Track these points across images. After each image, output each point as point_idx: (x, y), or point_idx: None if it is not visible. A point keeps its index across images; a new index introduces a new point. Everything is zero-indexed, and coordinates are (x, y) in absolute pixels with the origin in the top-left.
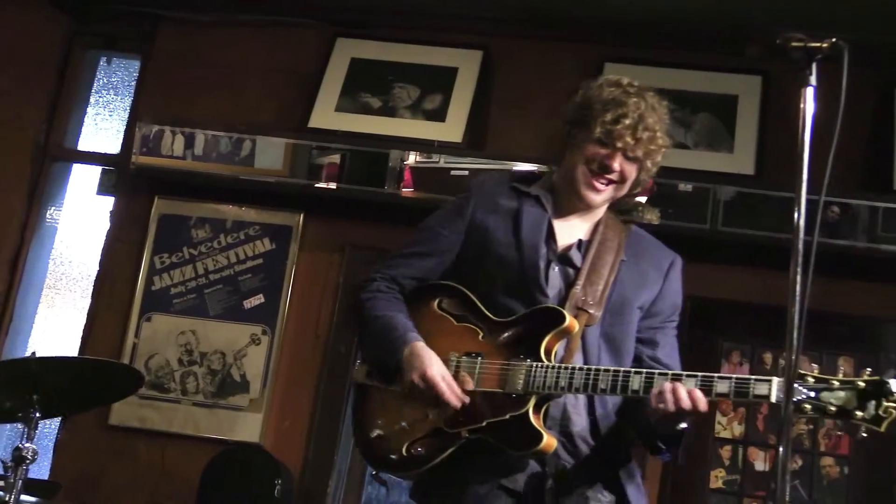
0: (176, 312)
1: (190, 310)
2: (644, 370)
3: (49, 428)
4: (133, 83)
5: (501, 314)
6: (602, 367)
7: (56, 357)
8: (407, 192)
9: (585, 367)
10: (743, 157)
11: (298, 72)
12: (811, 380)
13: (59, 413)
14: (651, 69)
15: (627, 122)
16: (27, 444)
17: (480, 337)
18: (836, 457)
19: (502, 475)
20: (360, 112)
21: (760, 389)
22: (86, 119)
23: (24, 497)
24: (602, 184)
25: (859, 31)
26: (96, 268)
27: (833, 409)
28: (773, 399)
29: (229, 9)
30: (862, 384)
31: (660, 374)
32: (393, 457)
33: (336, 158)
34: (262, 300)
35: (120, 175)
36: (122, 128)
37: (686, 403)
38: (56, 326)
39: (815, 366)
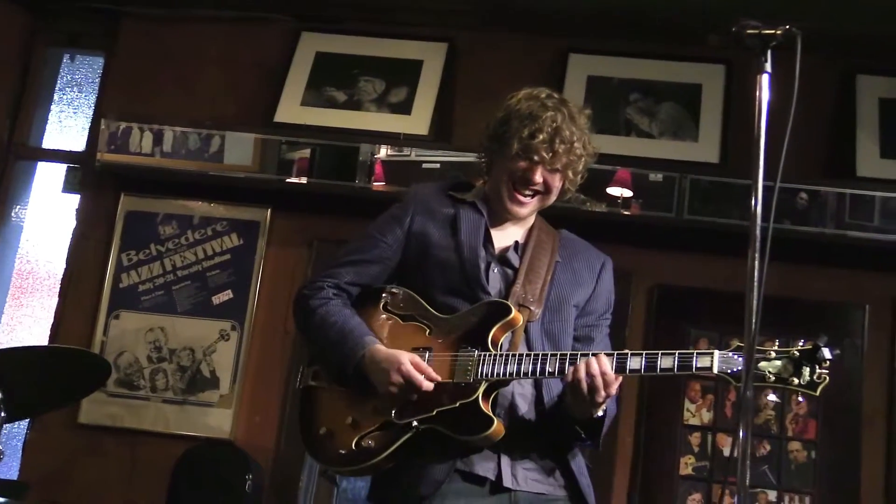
0: (144, 309)
1: (158, 307)
2: (590, 352)
3: (18, 428)
4: (97, 80)
5: (446, 313)
6: (549, 352)
7: (19, 348)
8: (378, 185)
9: (532, 352)
10: (708, 145)
11: (263, 66)
12: None
13: (27, 414)
14: (615, 59)
15: (543, 136)
16: None
17: (428, 333)
18: (803, 441)
19: (457, 460)
20: (325, 106)
21: (703, 362)
22: (50, 117)
23: None
24: (527, 196)
25: (821, 20)
26: (63, 266)
27: (771, 377)
28: (715, 370)
29: (193, 4)
30: (797, 352)
31: (606, 354)
32: (342, 451)
33: (306, 153)
34: (231, 296)
35: (85, 173)
36: (87, 125)
37: (594, 370)
38: (23, 326)
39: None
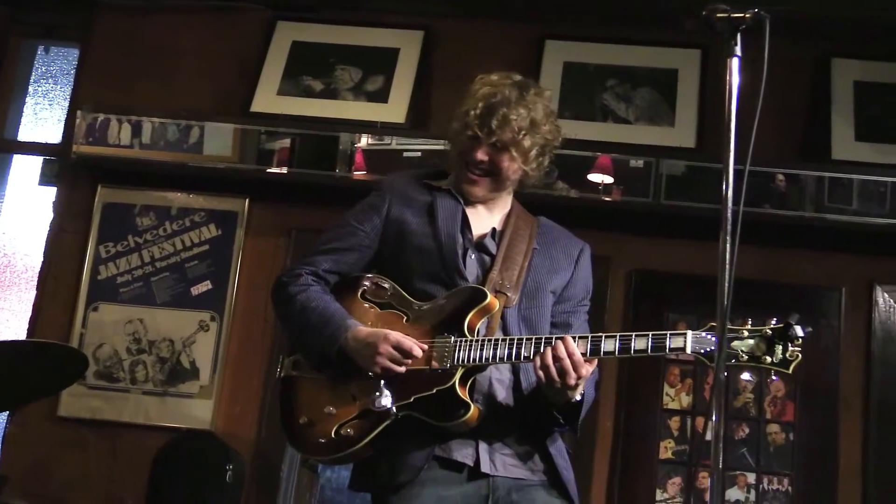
0: (123, 301)
1: (137, 298)
2: (564, 335)
3: None
4: (72, 72)
5: (423, 299)
6: (524, 337)
7: None
8: (359, 174)
9: (508, 337)
10: (684, 130)
11: (239, 56)
12: None
13: (5, 407)
14: (591, 45)
15: (476, 112)
16: None
17: (405, 321)
18: (781, 423)
19: (436, 446)
20: (302, 95)
21: (676, 343)
22: (25, 109)
23: None
24: (476, 175)
25: (796, 4)
26: (41, 259)
27: (744, 356)
28: (688, 350)
29: None
30: (769, 331)
31: (580, 337)
32: (322, 440)
33: (287, 143)
34: (210, 286)
35: (62, 165)
36: (63, 117)
37: (561, 353)
38: (1, 319)
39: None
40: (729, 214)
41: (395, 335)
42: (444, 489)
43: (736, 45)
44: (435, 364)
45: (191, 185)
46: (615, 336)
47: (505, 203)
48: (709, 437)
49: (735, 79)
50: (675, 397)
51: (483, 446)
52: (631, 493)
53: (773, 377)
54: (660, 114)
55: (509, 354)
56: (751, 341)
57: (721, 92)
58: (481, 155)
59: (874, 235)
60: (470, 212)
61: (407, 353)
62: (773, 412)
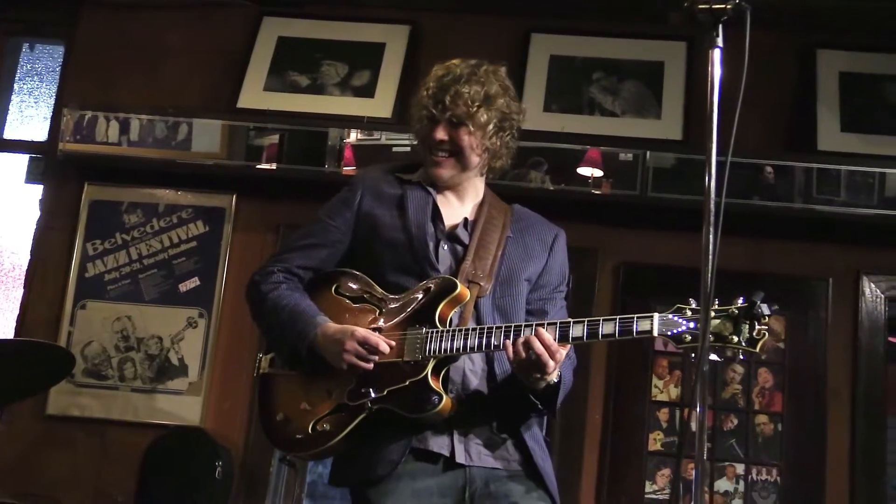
0: (111, 299)
1: (125, 296)
2: (534, 322)
3: None
4: (58, 69)
5: (396, 292)
6: (496, 326)
7: None
8: (348, 170)
9: (479, 326)
10: (671, 122)
11: (225, 52)
12: (689, 312)
13: None
14: (577, 38)
15: (429, 91)
16: None
17: (377, 314)
18: (769, 414)
19: (412, 438)
20: (288, 91)
21: (643, 326)
22: (10, 107)
23: None
24: (441, 156)
25: None
26: (28, 257)
27: (711, 336)
28: (656, 333)
29: None
30: (735, 310)
31: (549, 323)
32: (299, 436)
33: (275, 139)
34: (198, 283)
35: (48, 163)
36: (49, 115)
37: (535, 344)
38: None
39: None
40: (712, 206)
41: (361, 332)
42: (421, 481)
43: (718, 36)
44: (407, 356)
45: (178, 182)
46: (583, 321)
47: (477, 192)
48: (694, 427)
49: (717, 70)
50: (664, 389)
51: (458, 436)
52: (620, 485)
53: (741, 356)
54: (646, 106)
55: (480, 344)
56: (718, 321)
57: (707, 84)
58: (441, 134)
59: (861, 226)
60: (441, 202)
61: (373, 349)
62: (761, 403)
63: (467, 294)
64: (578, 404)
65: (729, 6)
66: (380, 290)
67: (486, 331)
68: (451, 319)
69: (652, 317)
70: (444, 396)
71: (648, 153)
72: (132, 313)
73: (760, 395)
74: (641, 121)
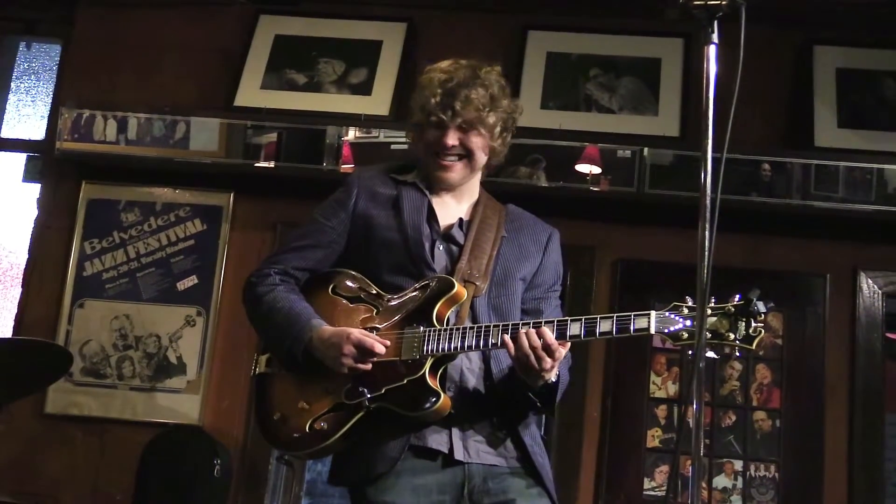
0: (109, 297)
1: (123, 294)
2: (531, 321)
3: None
4: (55, 68)
5: (392, 292)
6: (492, 324)
7: None
8: (346, 168)
9: (476, 325)
10: (668, 119)
11: (222, 50)
12: (686, 310)
13: None
14: (574, 35)
15: (437, 99)
16: None
17: (375, 313)
18: (767, 410)
19: (411, 436)
20: (285, 89)
21: (640, 323)
22: (7, 106)
23: None
24: (450, 161)
25: None
26: (26, 256)
27: (708, 334)
28: (653, 331)
29: None
30: (732, 308)
31: (546, 322)
32: (296, 435)
33: (273, 137)
34: (196, 281)
35: (45, 162)
36: (46, 114)
37: (535, 341)
38: None
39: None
40: (708, 202)
41: (357, 335)
42: (420, 478)
43: (713, 32)
44: (404, 355)
45: (174, 180)
46: (581, 320)
47: (472, 192)
48: (692, 423)
49: (713, 67)
50: (662, 385)
51: (456, 434)
52: (618, 482)
53: (738, 353)
54: (643, 103)
55: (478, 343)
56: (714, 319)
57: (703, 81)
58: (451, 139)
59: (858, 222)
60: (436, 203)
61: (369, 352)
62: (759, 399)
63: (465, 293)
64: (577, 401)
65: (724, 2)
66: (376, 289)
67: (483, 329)
68: (448, 318)
69: (649, 314)
70: (442, 395)
71: (646, 150)
72: (130, 312)
73: (758, 391)
74: (638, 117)
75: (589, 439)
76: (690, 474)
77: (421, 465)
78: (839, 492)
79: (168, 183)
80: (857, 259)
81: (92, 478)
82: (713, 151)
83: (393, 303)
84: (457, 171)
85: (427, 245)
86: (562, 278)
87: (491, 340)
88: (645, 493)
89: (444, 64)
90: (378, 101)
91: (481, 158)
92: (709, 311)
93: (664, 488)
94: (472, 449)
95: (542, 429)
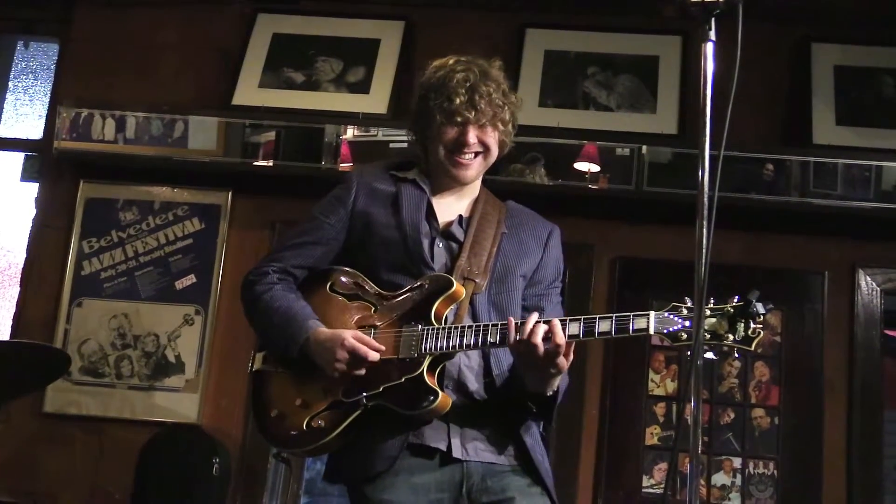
0: (107, 296)
1: (121, 293)
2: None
3: None
4: (52, 67)
5: (391, 290)
6: (491, 323)
7: None
8: (345, 167)
9: (474, 324)
10: (666, 116)
11: (220, 49)
12: (685, 310)
13: None
14: (571, 33)
15: (461, 98)
16: None
17: (373, 311)
18: (766, 408)
19: (409, 434)
20: (283, 87)
21: (639, 324)
22: (5, 105)
23: None
24: (468, 158)
25: None
26: (24, 255)
27: (707, 335)
28: (652, 331)
29: None
30: (731, 309)
31: (545, 321)
32: (294, 433)
33: (272, 136)
34: (194, 280)
35: (44, 161)
36: (44, 113)
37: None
38: None
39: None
40: (706, 200)
41: (351, 341)
42: (418, 476)
43: (710, 29)
44: (402, 354)
45: (172, 179)
46: (579, 319)
47: (473, 189)
48: (690, 421)
49: (710, 64)
50: (661, 383)
51: (455, 432)
52: (617, 480)
53: (736, 354)
54: (641, 101)
55: (476, 341)
56: (713, 320)
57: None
58: (472, 137)
59: (856, 219)
60: (436, 200)
61: (362, 359)
62: (757, 397)
63: (463, 292)
64: (575, 399)
65: (721, 0)
66: (375, 287)
67: (481, 328)
68: (446, 317)
69: (648, 315)
70: (440, 393)
71: (644, 148)
72: (128, 311)
73: (757, 388)
74: (636, 115)
75: (588, 437)
76: (689, 472)
77: (419, 463)
78: (838, 489)
79: (166, 182)
80: (855, 256)
81: (90, 477)
82: (711, 149)
83: (391, 301)
84: (474, 167)
85: (426, 243)
86: (562, 275)
87: (489, 339)
88: (644, 490)
89: (451, 62)
90: (376, 100)
91: (495, 153)
92: (707, 312)
93: (663, 486)
94: (470, 447)
95: (542, 427)
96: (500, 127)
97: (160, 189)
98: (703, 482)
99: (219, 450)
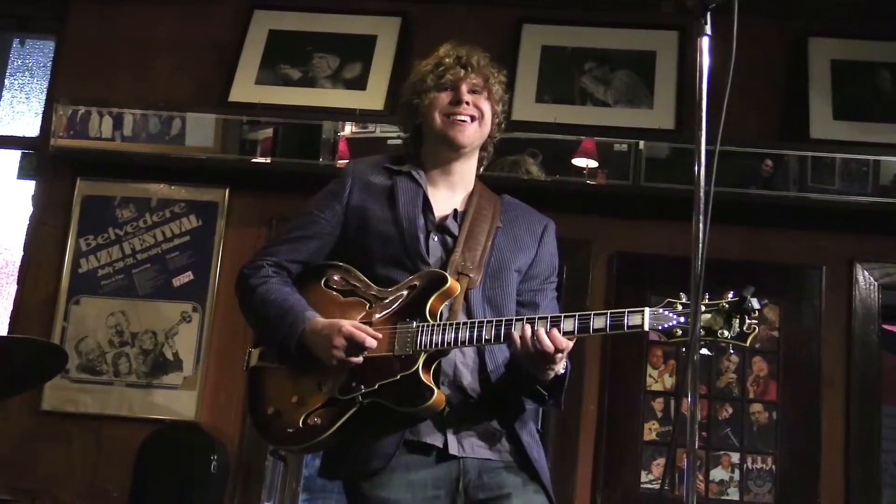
0: (105, 294)
1: (119, 291)
2: (525, 317)
3: None
4: (48, 64)
5: (385, 285)
6: (486, 319)
7: None
8: (343, 163)
9: (469, 320)
10: (663, 112)
11: (216, 46)
12: (680, 306)
13: None
14: (568, 29)
15: (451, 59)
16: None
17: (368, 307)
18: (764, 403)
19: (405, 431)
20: (280, 84)
21: (634, 320)
22: (1, 103)
23: None
24: (464, 120)
25: None
26: (21, 253)
27: (702, 330)
28: (647, 327)
29: None
30: (726, 305)
31: (539, 318)
32: (290, 430)
33: (269, 133)
34: (192, 277)
35: (40, 158)
36: (40, 110)
37: (546, 344)
38: None
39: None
40: (702, 195)
41: (348, 328)
42: (415, 473)
43: (706, 24)
44: (398, 350)
45: (169, 176)
46: (574, 316)
47: (468, 182)
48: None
49: (706, 58)
50: (659, 379)
51: (451, 428)
52: (616, 475)
53: (731, 351)
54: (638, 96)
55: (471, 337)
56: (708, 316)
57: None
58: (466, 95)
59: (854, 214)
60: (432, 194)
61: (360, 346)
62: (755, 392)
63: (457, 288)
64: (573, 395)
65: None
66: (369, 283)
67: (476, 324)
68: (441, 313)
69: (643, 311)
70: (436, 390)
71: (641, 143)
72: (126, 308)
73: (755, 383)
74: (634, 110)
75: (586, 433)
76: (685, 467)
77: (415, 460)
78: (836, 483)
79: (163, 179)
80: (853, 251)
81: (88, 474)
82: (707, 144)
83: (386, 297)
84: (471, 130)
85: (422, 237)
86: (557, 270)
87: (485, 336)
88: (642, 486)
89: (436, 50)
90: (373, 96)
91: (488, 122)
92: (703, 308)
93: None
94: (466, 443)
95: (539, 423)
96: (493, 94)
97: (157, 186)
98: (701, 477)
99: (217, 447)
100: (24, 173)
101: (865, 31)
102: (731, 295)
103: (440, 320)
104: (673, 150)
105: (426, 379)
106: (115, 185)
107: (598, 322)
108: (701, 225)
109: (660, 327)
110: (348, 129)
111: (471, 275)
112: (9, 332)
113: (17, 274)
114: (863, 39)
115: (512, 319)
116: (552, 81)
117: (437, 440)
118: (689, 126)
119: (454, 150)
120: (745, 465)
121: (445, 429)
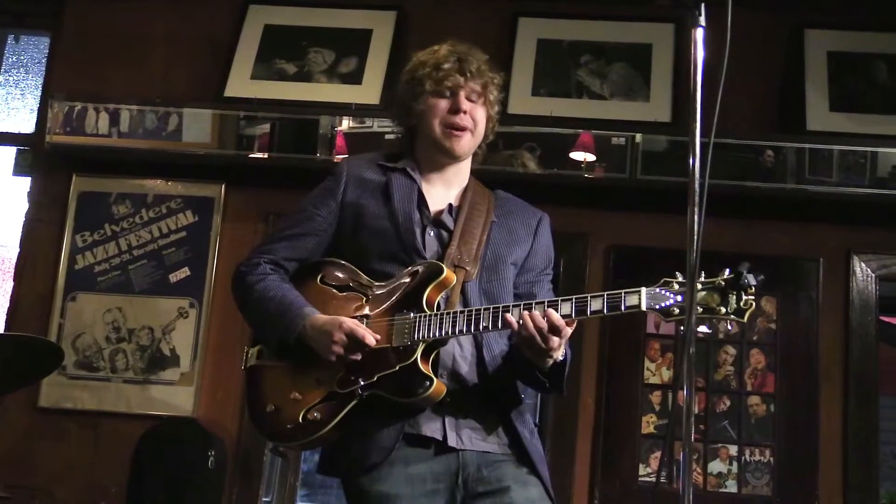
0: (101, 290)
1: (115, 287)
2: (522, 302)
3: None
4: (43, 60)
5: (382, 280)
6: (482, 307)
7: None
8: (340, 158)
9: (466, 309)
10: (659, 105)
11: (211, 41)
12: (676, 285)
13: None
14: (564, 22)
15: (449, 65)
16: None
17: (364, 301)
18: (762, 395)
19: (404, 424)
20: (275, 79)
21: (631, 300)
22: None
23: None
24: (459, 131)
25: None
26: (17, 250)
27: (699, 308)
28: (644, 307)
29: None
30: (722, 282)
31: (537, 303)
32: (290, 426)
33: (266, 128)
34: (188, 273)
35: (36, 155)
36: (35, 107)
37: (540, 322)
38: None
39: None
40: (696, 187)
41: (349, 324)
42: (413, 467)
43: (700, 15)
44: (396, 342)
45: (165, 172)
46: (571, 299)
47: (462, 178)
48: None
49: (700, 50)
50: (656, 371)
51: (449, 421)
52: (614, 468)
53: (729, 327)
54: (635, 89)
55: (468, 326)
56: (705, 293)
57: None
58: (465, 105)
59: (851, 205)
60: (426, 189)
61: (359, 343)
62: (753, 384)
63: (453, 278)
64: (571, 388)
65: None
66: (365, 277)
67: (473, 313)
68: (438, 304)
69: (639, 291)
70: (435, 380)
71: (638, 136)
72: (123, 304)
73: (753, 376)
74: (630, 103)
75: (584, 426)
76: (681, 459)
77: (414, 453)
78: (834, 475)
79: (159, 175)
80: (850, 242)
81: (86, 471)
82: (702, 136)
83: (382, 290)
84: (466, 142)
85: (418, 232)
86: (553, 262)
87: (482, 323)
88: (640, 479)
89: (436, 47)
90: (369, 90)
91: (482, 133)
92: (699, 286)
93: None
94: (465, 436)
95: (537, 416)
96: (490, 100)
97: (153, 182)
98: (699, 470)
99: (214, 443)
100: (19, 170)
101: (862, 23)
102: (727, 272)
103: (437, 311)
104: (670, 142)
105: (425, 369)
106: (111, 181)
107: (595, 304)
108: (696, 217)
109: (657, 307)
110: (345, 123)
111: (467, 268)
112: (5, 329)
113: (13, 270)
114: (859, 31)
115: (509, 307)
116: (548, 75)
117: (436, 432)
118: (686, 119)
119: (450, 158)
120: (743, 458)
121: (444, 421)
